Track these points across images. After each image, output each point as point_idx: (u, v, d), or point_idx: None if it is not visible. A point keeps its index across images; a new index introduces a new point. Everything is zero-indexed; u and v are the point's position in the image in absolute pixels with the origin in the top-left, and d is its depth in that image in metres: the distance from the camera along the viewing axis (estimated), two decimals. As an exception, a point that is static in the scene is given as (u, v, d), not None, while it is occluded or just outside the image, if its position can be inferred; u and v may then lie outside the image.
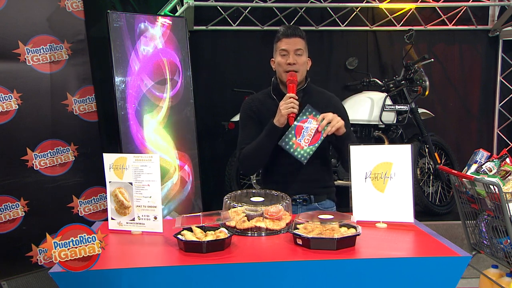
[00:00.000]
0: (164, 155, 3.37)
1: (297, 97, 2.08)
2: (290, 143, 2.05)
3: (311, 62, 2.26)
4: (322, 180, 2.24)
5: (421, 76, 3.83)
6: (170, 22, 3.44)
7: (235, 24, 4.19)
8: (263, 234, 1.70)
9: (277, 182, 2.16)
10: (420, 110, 3.93)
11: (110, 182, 1.80)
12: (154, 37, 3.35)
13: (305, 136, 2.04)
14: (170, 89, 3.41)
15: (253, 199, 1.85)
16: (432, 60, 3.86)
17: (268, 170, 2.26)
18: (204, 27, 4.18)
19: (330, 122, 2.02)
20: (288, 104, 2.05)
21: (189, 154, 3.50)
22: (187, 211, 3.41)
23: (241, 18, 4.17)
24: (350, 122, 2.38)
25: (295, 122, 2.05)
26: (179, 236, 1.57)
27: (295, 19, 4.19)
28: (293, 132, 2.05)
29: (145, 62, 3.30)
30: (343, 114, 2.29)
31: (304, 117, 2.05)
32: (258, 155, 2.18)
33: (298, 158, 2.05)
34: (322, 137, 2.05)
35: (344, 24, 4.28)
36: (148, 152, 3.26)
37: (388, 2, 4.09)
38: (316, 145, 2.05)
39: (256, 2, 3.93)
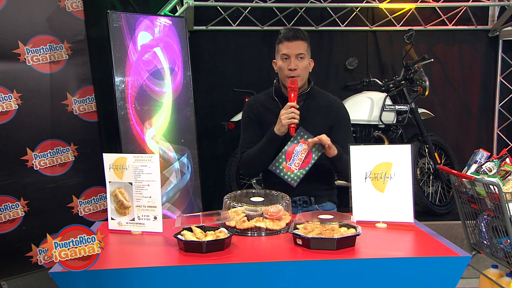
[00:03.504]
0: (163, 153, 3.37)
1: (297, 106, 2.08)
2: (280, 167, 2.06)
3: (313, 63, 2.24)
4: (323, 182, 2.23)
5: (421, 76, 3.83)
6: (170, 22, 3.44)
7: (235, 24, 4.19)
8: (263, 234, 1.70)
9: (277, 184, 2.15)
10: (420, 110, 3.93)
11: (110, 182, 1.80)
12: (154, 37, 3.35)
13: (296, 160, 2.05)
14: (170, 89, 3.41)
15: (253, 199, 1.85)
16: (432, 60, 3.86)
17: (269, 171, 2.25)
18: (204, 27, 4.18)
19: (320, 144, 2.02)
20: (289, 114, 2.05)
21: (189, 154, 3.50)
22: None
23: (241, 18, 4.17)
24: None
25: (285, 147, 2.06)
26: (179, 236, 1.57)
27: (295, 19, 4.19)
28: (283, 157, 2.06)
29: (145, 62, 3.30)
30: (345, 118, 2.28)
31: (295, 141, 2.05)
32: (259, 160, 2.19)
33: (288, 182, 2.06)
34: (313, 161, 2.05)
35: (344, 24, 4.28)
36: (148, 152, 3.26)
37: (388, 2, 4.09)
38: (307, 168, 2.06)
39: (256, 2, 3.94)
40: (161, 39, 3.38)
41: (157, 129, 3.36)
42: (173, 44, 3.45)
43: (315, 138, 2.01)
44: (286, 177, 2.06)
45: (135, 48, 3.25)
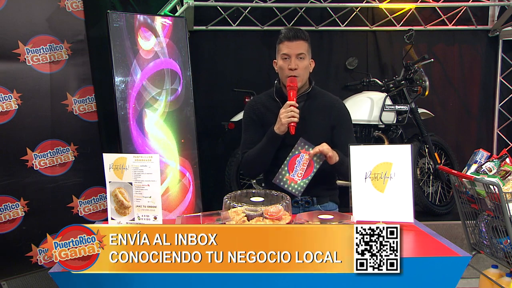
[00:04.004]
0: (164, 156, 3.36)
1: (297, 105, 2.07)
2: (284, 179, 2.06)
3: (314, 64, 2.24)
4: (325, 183, 2.23)
5: (421, 76, 3.83)
6: (170, 22, 3.44)
7: (235, 24, 4.19)
8: (263, 234, 1.70)
9: None
10: (420, 110, 3.93)
11: (110, 182, 1.80)
12: (154, 37, 3.35)
13: (298, 170, 2.06)
14: (169, 88, 3.41)
15: (253, 199, 1.85)
16: (432, 60, 3.86)
17: (271, 172, 2.24)
18: (204, 27, 4.18)
19: (321, 153, 2.03)
20: (288, 113, 2.04)
21: (189, 154, 3.50)
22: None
23: (241, 18, 4.17)
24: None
25: (287, 158, 2.06)
26: (179, 236, 1.56)
27: (295, 19, 4.19)
28: (286, 168, 2.06)
29: (145, 62, 3.30)
30: (347, 118, 2.28)
31: (297, 152, 2.05)
32: (259, 161, 2.19)
33: (293, 193, 2.06)
34: (315, 169, 2.06)
35: (344, 24, 4.28)
36: (148, 152, 3.26)
37: (388, 2, 4.09)
38: (309, 177, 2.06)
39: (256, 2, 3.94)
40: (161, 39, 3.38)
41: (157, 130, 3.35)
42: (173, 44, 3.45)
43: (316, 149, 2.01)
44: (290, 188, 2.06)
45: (135, 48, 3.25)
